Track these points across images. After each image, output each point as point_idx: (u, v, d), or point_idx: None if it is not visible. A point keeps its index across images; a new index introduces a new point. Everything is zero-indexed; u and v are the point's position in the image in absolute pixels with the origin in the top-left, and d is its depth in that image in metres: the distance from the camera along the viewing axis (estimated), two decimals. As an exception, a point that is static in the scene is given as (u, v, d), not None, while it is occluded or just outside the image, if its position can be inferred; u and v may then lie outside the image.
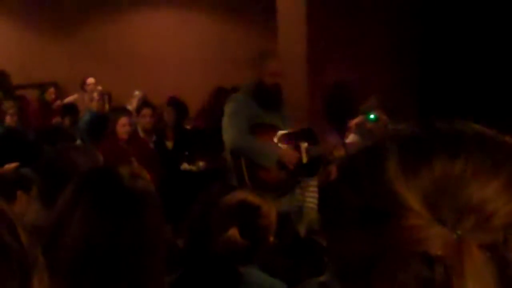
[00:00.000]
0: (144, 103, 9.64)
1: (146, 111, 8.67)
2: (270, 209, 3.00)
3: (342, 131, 7.51)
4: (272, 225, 2.99)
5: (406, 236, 0.81)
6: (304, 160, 5.63)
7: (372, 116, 7.21)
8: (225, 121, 5.58)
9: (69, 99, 11.87)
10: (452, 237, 0.80)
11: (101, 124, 8.71)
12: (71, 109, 11.02)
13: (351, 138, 7.26)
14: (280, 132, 5.67)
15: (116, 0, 13.02)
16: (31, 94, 12.50)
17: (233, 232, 2.88)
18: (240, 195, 3.00)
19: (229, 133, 5.51)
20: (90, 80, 11.77)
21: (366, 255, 0.84)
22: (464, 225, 0.80)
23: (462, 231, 0.80)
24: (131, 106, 10.68)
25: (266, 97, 5.61)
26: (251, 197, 2.98)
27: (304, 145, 5.66)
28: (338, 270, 0.90)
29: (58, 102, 11.73)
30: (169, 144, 8.72)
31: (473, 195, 0.81)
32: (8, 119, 9.23)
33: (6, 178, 4.23)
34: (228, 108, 5.65)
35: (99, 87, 11.31)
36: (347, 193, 0.89)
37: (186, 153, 8.54)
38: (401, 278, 0.81)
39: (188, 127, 9.62)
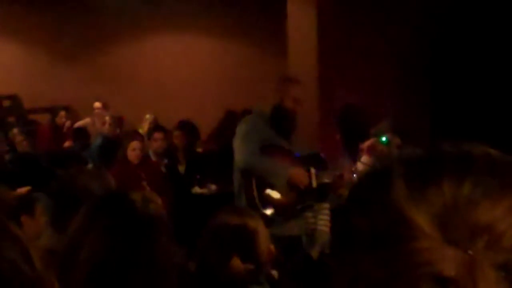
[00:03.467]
0: (156, 126, 9.65)
1: (158, 135, 8.68)
2: (257, 223, 3.06)
3: (354, 154, 7.49)
4: (264, 237, 3.03)
5: (418, 259, 0.81)
6: (314, 184, 5.61)
7: (384, 138, 7.18)
8: (237, 141, 5.56)
9: (80, 123, 11.91)
10: (465, 257, 0.80)
11: (113, 148, 8.74)
12: (82, 133, 11.06)
13: (363, 161, 7.24)
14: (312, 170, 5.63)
15: (128, 25, 13.09)
16: (43, 118, 12.56)
17: (235, 262, 2.95)
18: (230, 221, 3.02)
19: (241, 152, 5.49)
20: (97, 104, 11.82)
21: (378, 279, 0.84)
22: (476, 246, 0.80)
23: (474, 252, 0.80)
24: (143, 129, 10.71)
25: (282, 121, 5.60)
26: (237, 221, 3.01)
27: (313, 170, 5.64)
28: None
29: (68, 124, 11.75)
30: (181, 167, 8.72)
31: (483, 215, 0.81)
32: (19, 146, 9.28)
33: (9, 204, 4.24)
34: (240, 129, 5.63)
35: (103, 111, 11.35)
36: (356, 217, 0.89)
37: (198, 176, 8.53)
38: None
39: (199, 150, 9.62)
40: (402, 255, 0.82)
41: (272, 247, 3.08)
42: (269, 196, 5.46)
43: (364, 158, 7.22)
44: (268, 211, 5.41)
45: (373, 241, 0.85)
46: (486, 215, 0.82)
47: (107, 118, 10.60)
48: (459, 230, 0.81)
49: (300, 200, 5.54)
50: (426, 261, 0.80)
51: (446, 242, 0.81)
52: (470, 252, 0.80)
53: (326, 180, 5.68)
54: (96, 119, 11.48)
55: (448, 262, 0.80)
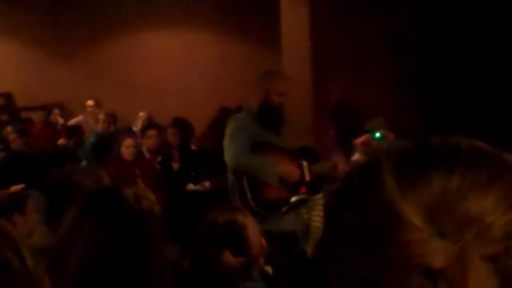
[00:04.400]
0: (150, 124, 9.64)
1: (152, 132, 8.68)
2: (246, 218, 3.12)
3: (348, 150, 7.50)
4: (253, 231, 3.09)
5: (408, 251, 0.81)
6: (307, 178, 5.60)
7: (377, 134, 7.18)
8: (227, 141, 5.55)
9: (73, 120, 11.89)
10: (454, 249, 0.80)
11: (106, 145, 8.73)
12: (76, 131, 11.05)
13: (356, 156, 7.25)
14: (305, 164, 5.63)
15: (121, 22, 13.07)
16: (37, 116, 12.54)
17: (227, 256, 3.01)
18: (219, 217, 3.07)
19: (230, 152, 5.48)
20: (90, 102, 11.81)
21: (368, 273, 0.84)
22: (464, 237, 0.81)
23: (463, 243, 0.80)
24: (136, 127, 10.70)
25: (270, 116, 5.57)
26: (226, 216, 3.08)
27: (306, 163, 5.63)
28: None
29: (61, 122, 11.73)
30: (175, 164, 8.72)
31: (471, 207, 0.82)
32: (12, 144, 9.25)
33: (3, 202, 4.23)
34: (229, 128, 5.61)
35: (97, 109, 11.33)
36: (346, 211, 0.89)
37: (192, 173, 8.53)
38: None
39: (193, 147, 9.62)
40: (391, 247, 0.82)
41: (263, 241, 3.12)
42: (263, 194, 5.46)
43: (358, 154, 7.23)
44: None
45: (363, 234, 0.86)
46: (475, 206, 0.82)
47: (101, 115, 10.58)
48: (448, 222, 0.82)
49: (292, 193, 5.53)
50: (415, 253, 0.81)
51: (435, 234, 0.81)
52: (459, 243, 0.80)
53: (320, 173, 5.67)
54: (89, 117, 11.46)
55: (437, 254, 0.80)
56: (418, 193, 0.84)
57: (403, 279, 0.81)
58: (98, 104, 11.66)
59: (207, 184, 8.38)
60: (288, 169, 5.50)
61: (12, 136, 9.34)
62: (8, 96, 13.11)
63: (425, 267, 0.80)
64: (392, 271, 0.82)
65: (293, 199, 5.50)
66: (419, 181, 0.84)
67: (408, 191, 0.84)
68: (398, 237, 0.82)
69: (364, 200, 0.87)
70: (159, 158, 8.60)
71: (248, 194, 5.38)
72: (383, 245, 0.83)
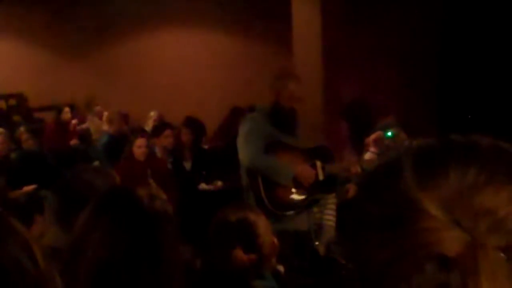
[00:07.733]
0: (164, 123, 9.64)
1: (168, 132, 8.67)
2: (257, 216, 3.15)
3: (360, 149, 7.49)
4: (265, 229, 3.11)
5: (424, 238, 0.84)
6: (320, 177, 5.59)
7: (389, 133, 7.17)
8: (241, 141, 5.53)
9: (83, 126, 11.90)
10: (468, 239, 0.83)
11: (119, 145, 8.73)
12: (87, 133, 11.14)
13: (368, 155, 7.23)
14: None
15: (132, 23, 13.10)
16: (49, 117, 12.58)
17: (238, 253, 3.03)
18: (231, 215, 3.09)
19: (245, 152, 5.46)
20: (98, 108, 11.92)
21: (385, 259, 0.87)
22: (479, 228, 0.83)
23: (477, 234, 0.83)
24: (148, 126, 10.71)
25: (282, 119, 5.54)
26: (238, 214, 3.11)
27: (319, 162, 5.62)
28: (359, 277, 0.93)
29: (75, 122, 11.76)
30: (187, 164, 8.72)
31: (486, 200, 0.85)
32: (24, 144, 9.31)
33: (23, 202, 4.25)
34: (243, 128, 5.59)
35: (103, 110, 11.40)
36: (367, 203, 0.93)
37: (204, 173, 8.53)
38: (417, 281, 0.84)
39: (205, 147, 9.62)
40: (408, 235, 0.85)
41: (275, 240, 3.12)
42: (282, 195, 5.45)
43: (370, 152, 7.21)
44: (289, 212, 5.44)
45: (382, 224, 0.89)
46: (490, 200, 0.85)
47: (105, 114, 10.62)
48: (463, 212, 0.84)
49: (307, 193, 5.52)
50: (430, 241, 0.83)
51: (451, 223, 0.84)
52: (473, 234, 0.83)
53: (333, 172, 5.66)
54: (94, 118, 11.55)
55: (452, 242, 0.83)
56: (435, 186, 0.87)
57: (418, 267, 0.84)
58: (99, 112, 11.70)
59: (219, 183, 8.38)
60: (304, 171, 5.48)
61: (24, 136, 9.39)
62: (20, 97, 13.18)
63: (440, 255, 0.83)
64: (408, 258, 0.85)
65: (296, 197, 5.49)
66: (437, 174, 0.88)
67: (426, 184, 0.87)
68: (415, 225, 0.85)
69: (385, 193, 0.91)
70: (171, 158, 8.60)
71: (263, 193, 5.37)
72: (400, 233, 0.86)
